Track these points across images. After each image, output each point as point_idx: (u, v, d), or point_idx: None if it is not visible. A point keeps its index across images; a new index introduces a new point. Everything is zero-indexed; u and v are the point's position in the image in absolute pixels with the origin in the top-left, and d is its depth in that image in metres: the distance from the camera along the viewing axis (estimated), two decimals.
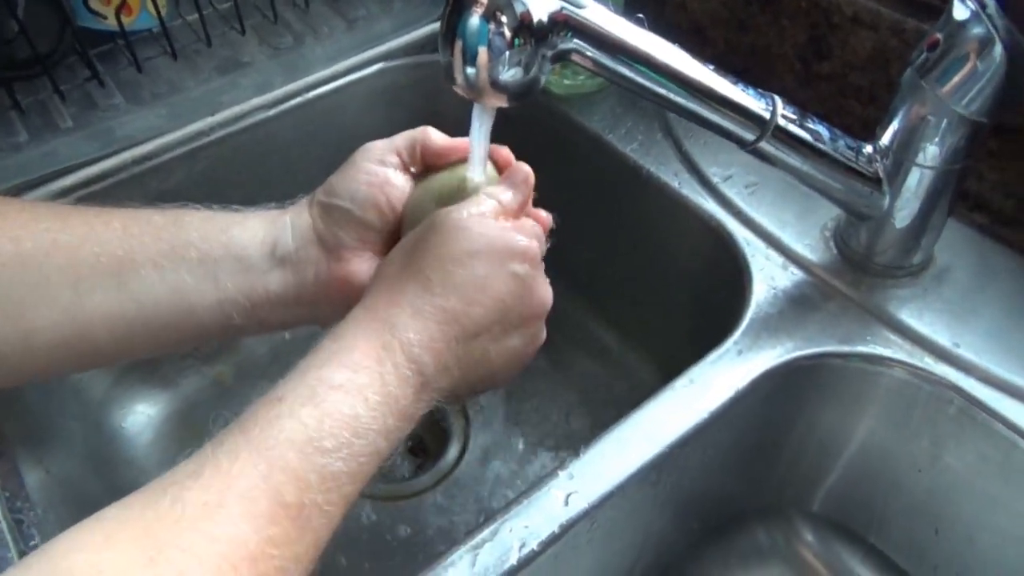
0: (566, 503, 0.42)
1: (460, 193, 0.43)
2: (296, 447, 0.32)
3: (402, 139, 0.44)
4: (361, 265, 0.43)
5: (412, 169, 0.44)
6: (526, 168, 0.43)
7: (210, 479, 0.30)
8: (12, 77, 0.64)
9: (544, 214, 0.45)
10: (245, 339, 0.74)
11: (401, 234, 0.43)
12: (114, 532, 0.28)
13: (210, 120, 0.64)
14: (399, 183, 0.43)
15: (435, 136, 0.44)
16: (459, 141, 0.44)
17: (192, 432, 0.69)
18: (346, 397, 0.34)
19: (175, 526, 0.29)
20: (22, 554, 0.40)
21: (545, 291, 0.41)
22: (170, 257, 0.40)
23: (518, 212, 0.42)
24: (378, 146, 0.44)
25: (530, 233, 0.40)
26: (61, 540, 0.28)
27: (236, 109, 0.66)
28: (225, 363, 0.73)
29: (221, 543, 0.29)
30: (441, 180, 0.44)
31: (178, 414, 0.70)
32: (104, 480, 0.60)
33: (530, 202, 0.44)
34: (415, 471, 0.67)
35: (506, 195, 0.41)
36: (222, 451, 0.31)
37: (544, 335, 0.42)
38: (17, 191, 0.59)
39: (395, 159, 0.44)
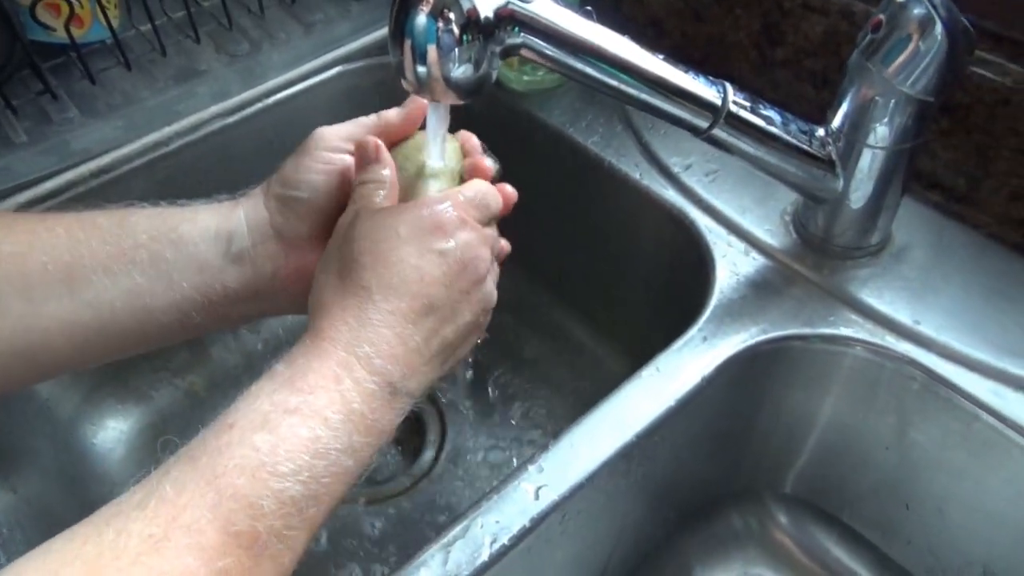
0: (536, 496, 0.42)
1: (419, 181, 0.43)
2: (247, 473, 0.31)
3: (354, 127, 0.44)
4: (319, 255, 0.41)
5: None
6: (484, 163, 0.43)
7: (155, 510, 0.30)
8: None
9: (509, 188, 0.44)
10: (216, 349, 0.74)
11: None
12: (56, 569, 0.28)
13: (167, 130, 0.64)
14: (348, 167, 0.43)
15: (392, 118, 0.44)
16: (413, 108, 0.44)
17: (161, 447, 0.68)
18: (303, 420, 0.33)
19: (117, 561, 0.28)
20: None
21: (480, 251, 0.39)
22: (119, 260, 0.40)
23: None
24: (331, 132, 0.43)
25: (447, 201, 0.39)
26: (4, 573, 0.28)
27: (194, 118, 0.65)
28: (197, 374, 0.73)
29: None
30: (404, 166, 0.43)
31: (151, 428, 0.69)
32: (75, 498, 0.60)
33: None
34: (391, 473, 0.67)
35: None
36: (168, 480, 0.31)
37: (494, 295, 0.41)
38: None
39: (349, 146, 0.43)
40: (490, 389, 0.71)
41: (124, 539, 0.29)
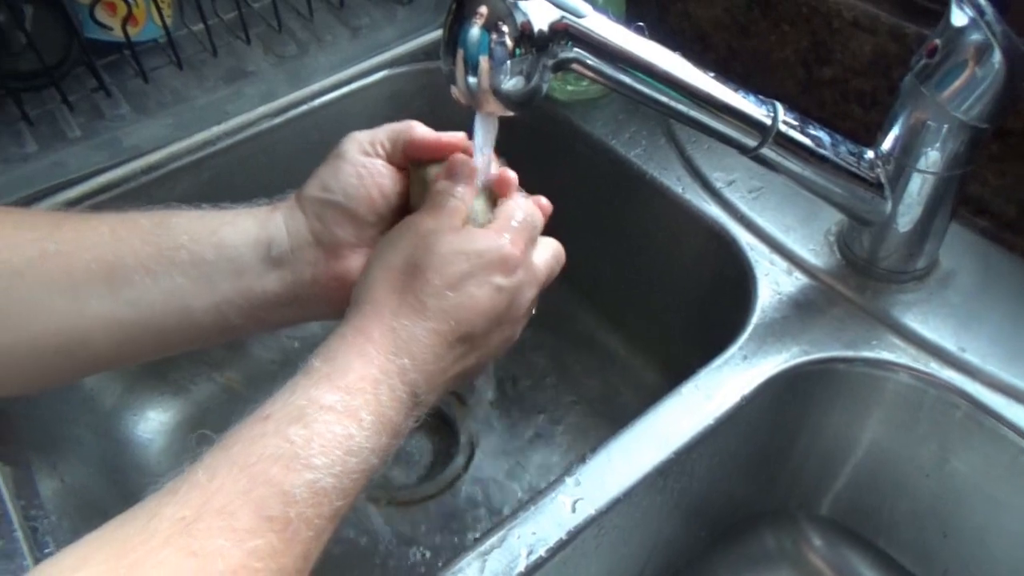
0: (573, 509, 0.42)
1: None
2: (281, 462, 0.32)
3: (384, 132, 0.44)
4: (358, 261, 0.42)
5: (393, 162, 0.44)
6: (509, 174, 0.43)
7: (187, 494, 0.30)
8: (20, 88, 0.65)
9: (544, 201, 0.44)
10: (254, 346, 0.75)
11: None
12: (89, 553, 0.29)
13: (216, 129, 0.65)
14: (388, 174, 0.43)
15: (420, 131, 0.44)
16: (445, 137, 0.44)
17: (198, 440, 0.69)
18: (339, 418, 0.34)
19: (149, 542, 0.29)
20: (37, 561, 0.40)
21: (528, 294, 0.41)
22: (160, 261, 0.40)
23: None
24: (363, 136, 0.44)
25: (514, 237, 0.40)
26: (43, 565, 0.28)
27: (241, 118, 0.66)
28: (235, 369, 0.74)
29: (198, 557, 0.29)
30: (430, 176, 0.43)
31: (189, 420, 0.70)
32: (116, 488, 0.61)
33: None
34: (421, 478, 0.67)
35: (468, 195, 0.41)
36: (201, 467, 0.31)
37: (520, 332, 0.42)
38: (26, 202, 0.60)
39: (380, 149, 0.43)
40: (519, 396, 0.72)
41: (156, 522, 0.29)
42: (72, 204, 0.60)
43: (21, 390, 0.42)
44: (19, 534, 0.42)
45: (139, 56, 0.68)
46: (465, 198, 0.41)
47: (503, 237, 0.39)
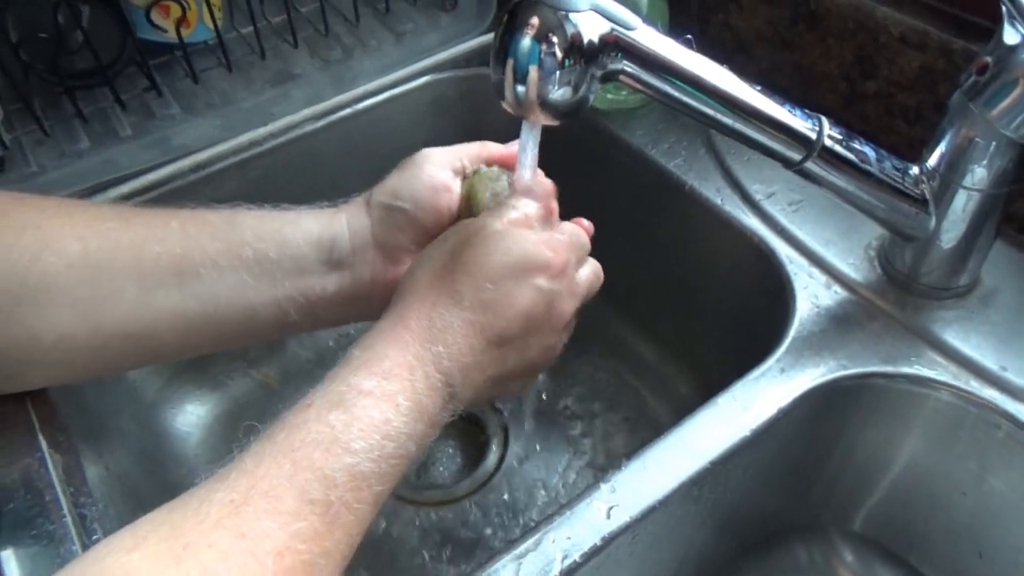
0: (608, 516, 0.42)
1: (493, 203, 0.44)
2: (322, 447, 0.33)
3: (463, 152, 0.46)
4: None
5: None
6: (548, 182, 0.45)
7: (235, 480, 0.32)
8: (75, 86, 0.67)
9: (586, 223, 0.46)
10: (291, 343, 0.76)
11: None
12: (145, 534, 0.30)
13: (262, 131, 0.66)
14: (457, 190, 0.45)
15: (495, 150, 0.46)
16: (514, 147, 0.45)
17: (240, 433, 0.70)
18: (376, 402, 0.35)
19: (201, 524, 0.30)
20: (85, 547, 0.41)
21: (567, 305, 0.41)
22: (227, 256, 0.42)
23: (544, 223, 0.43)
24: (439, 153, 0.45)
25: (558, 246, 0.41)
26: (99, 546, 0.30)
27: (287, 120, 0.67)
28: (272, 366, 0.75)
29: (247, 539, 0.30)
30: (493, 185, 0.45)
31: (226, 415, 0.72)
32: (156, 478, 0.62)
33: (556, 214, 0.45)
34: (453, 479, 0.68)
35: (531, 207, 0.42)
36: (248, 455, 0.33)
37: (561, 347, 0.43)
38: (79, 197, 0.61)
39: (456, 167, 0.45)
40: (552, 401, 0.72)
41: (207, 507, 0.31)
42: (123, 200, 0.62)
43: (87, 376, 0.44)
44: (68, 519, 0.43)
45: (190, 57, 0.69)
46: (520, 207, 0.42)
47: (551, 242, 0.40)
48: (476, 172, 0.46)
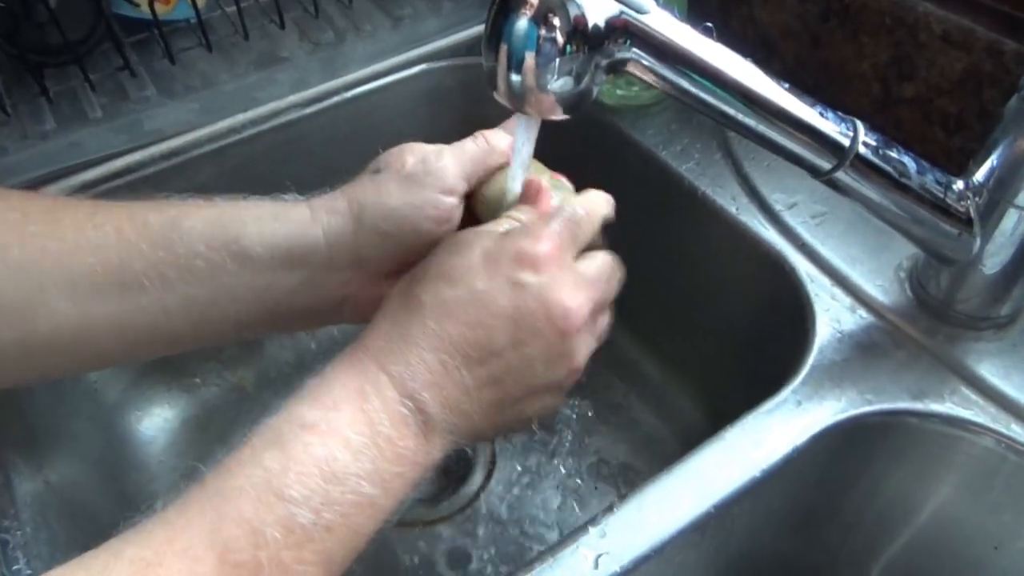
0: (596, 565, 0.37)
1: (499, 204, 0.40)
2: (252, 495, 0.28)
3: (470, 163, 0.40)
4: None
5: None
6: (539, 183, 0.40)
7: (152, 533, 0.27)
8: (42, 63, 0.62)
9: (598, 195, 0.41)
10: (270, 345, 0.72)
11: None
12: None
13: (241, 117, 0.62)
14: (457, 218, 0.39)
15: (500, 149, 0.41)
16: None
17: (209, 439, 0.66)
18: (320, 438, 0.30)
19: None
20: None
21: (571, 300, 0.34)
22: (174, 267, 0.37)
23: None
24: (450, 175, 0.39)
25: (540, 233, 0.35)
26: None
27: (270, 106, 0.63)
28: (247, 368, 0.71)
29: None
30: (490, 188, 0.41)
31: (196, 419, 0.67)
32: (112, 487, 0.58)
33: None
34: (434, 498, 0.63)
35: (528, 215, 0.38)
36: (174, 503, 0.28)
37: (581, 357, 0.36)
38: (40, 182, 0.57)
39: (463, 188, 0.39)
40: (543, 420, 0.67)
41: (115, 563, 0.26)
42: (87, 187, 0.58)
43: (19, 383, 0.40)
44: None
45: (168, 36, 0.65)
46: (518, 215, 0.38)
47: (530, 230, 0.35)
48: (486, 183, 0.41)
